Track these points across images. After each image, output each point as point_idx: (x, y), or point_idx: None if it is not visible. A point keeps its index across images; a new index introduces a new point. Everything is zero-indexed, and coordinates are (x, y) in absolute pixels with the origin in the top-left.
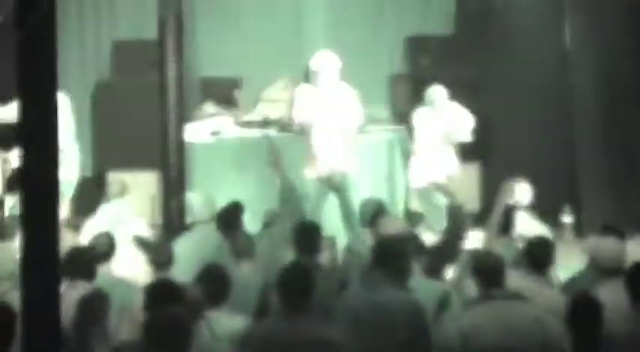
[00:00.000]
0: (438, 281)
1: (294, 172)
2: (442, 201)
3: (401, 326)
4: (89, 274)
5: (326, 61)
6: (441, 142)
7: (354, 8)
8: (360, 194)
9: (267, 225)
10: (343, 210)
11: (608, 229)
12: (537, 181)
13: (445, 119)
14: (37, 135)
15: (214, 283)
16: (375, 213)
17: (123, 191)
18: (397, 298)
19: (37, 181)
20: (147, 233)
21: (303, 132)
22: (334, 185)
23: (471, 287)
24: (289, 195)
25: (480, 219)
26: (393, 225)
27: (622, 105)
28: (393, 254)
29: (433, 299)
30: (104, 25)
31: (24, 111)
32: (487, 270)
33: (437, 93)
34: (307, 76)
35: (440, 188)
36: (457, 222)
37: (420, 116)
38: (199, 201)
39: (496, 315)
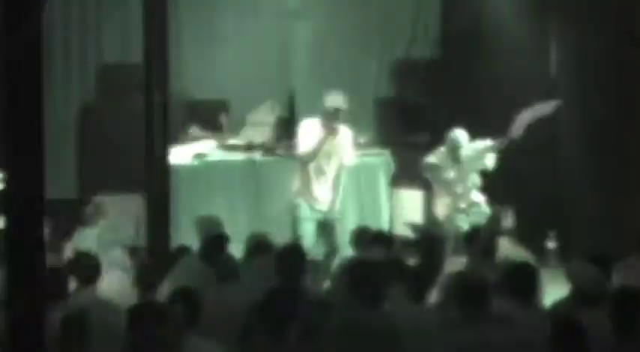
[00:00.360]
0: (418, 305)
1: (278, 194)
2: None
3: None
4: (69, 295)
5: (341, 102)
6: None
7: (340, 32)
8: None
9: (250, 249)
10: (326, 239)
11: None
12: (521, 207)
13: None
14: (22, 157)
15: (185, 306)
16: (364, 238)
17: (99, 214)
18: (370, 321)
19: (22, 202)
20: (125, 257)
21: (291, 157)
22: (324, 215)
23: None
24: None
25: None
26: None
27: (607, 133)
28: (366, 278)
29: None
30: (90, 48)
31: (11, 133)
32: (473, 291)
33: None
34: (291, 103)
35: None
36: (436, 247)
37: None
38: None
39: (482, 337)
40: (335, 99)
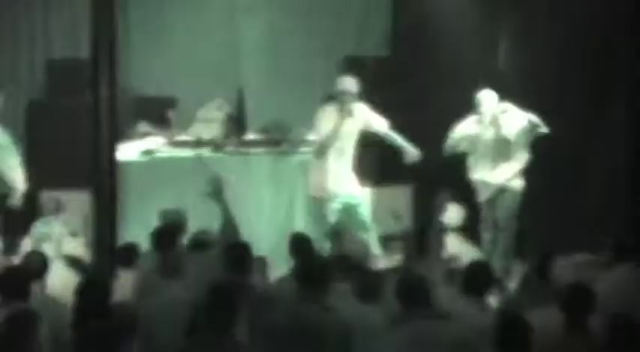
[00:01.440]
0: (367, 305)
1: (231, 192)
2: None
3: (318, 344)
4: (23, 293)
5: (353, 85)
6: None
7: (290, 29)
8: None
9: (196, 244)
10: (356, 226)
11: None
12: (470, 202)
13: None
14: None
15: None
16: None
17: (58, 209)
18: (315, 315)
19: None
20: (80, 251)
21: (238, 151)
22: (344, 205)
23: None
24: (229, 224)
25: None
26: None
27: (558, 118)
28: (312, 273)
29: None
30: (38, 44)
31: None
32: (410, 290)
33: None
34: (240, 100)
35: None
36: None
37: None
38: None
39: (419, 334)
40: (346, 83)
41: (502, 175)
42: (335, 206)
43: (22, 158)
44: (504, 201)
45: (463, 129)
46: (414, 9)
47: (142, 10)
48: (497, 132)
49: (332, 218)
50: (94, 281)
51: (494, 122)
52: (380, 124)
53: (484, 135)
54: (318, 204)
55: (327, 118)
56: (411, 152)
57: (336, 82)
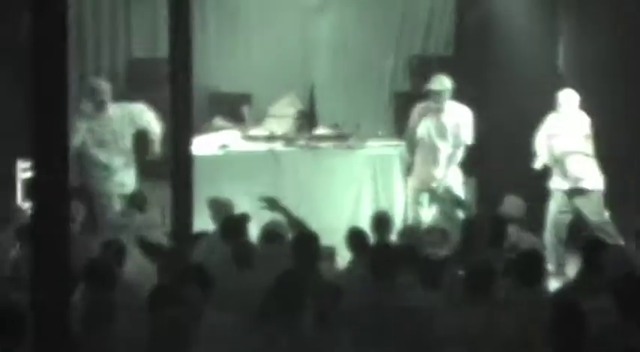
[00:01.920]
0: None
1: (301, 185)
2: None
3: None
4: (104, 283)
5: (444, 84)
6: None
7: (359, 28)
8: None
9: (268, 235)
10: (445, 217)
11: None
12: (531, 194)
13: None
14: (48, 145)
15: (200, 284)
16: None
17: (143, 203)
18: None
19: (48, 190)
20: (160, 240)
21: (309, 146)
22: (437, 195)
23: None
24: (294, 223)
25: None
26: None
27: (612, 124)
28: (388, 262)
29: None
30: (120, 42)
31: (37, 121)
32: (477, 277)
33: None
34: (312, 96)
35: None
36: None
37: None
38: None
39: (480, 319)
40: (438, 82)
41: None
42: (435, 196)
43: None
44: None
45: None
46: (477, 10)
47: (217, 10)
48: (578, 133)
49: (431, 208)
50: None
51: (575, 122)
52: (466, 136)
53: (566, 135)
54: (416, 194)
55: (418, 115)
56: None
57: (430, 79)
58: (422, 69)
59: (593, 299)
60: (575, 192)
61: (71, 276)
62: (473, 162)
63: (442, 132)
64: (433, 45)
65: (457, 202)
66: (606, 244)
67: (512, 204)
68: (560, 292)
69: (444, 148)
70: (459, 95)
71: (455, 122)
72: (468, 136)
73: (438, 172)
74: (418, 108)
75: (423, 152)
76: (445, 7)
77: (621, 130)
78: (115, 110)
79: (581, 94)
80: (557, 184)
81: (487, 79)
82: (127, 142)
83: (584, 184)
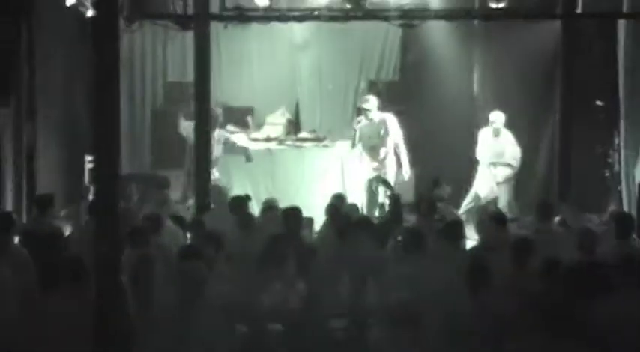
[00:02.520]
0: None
1: (288, 173)
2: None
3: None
4: (145, 243)
5: (499, 119)
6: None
7: (332, 59)
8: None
9: (265, 209)
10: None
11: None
12: (454, 181)
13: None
14: (104, 144)
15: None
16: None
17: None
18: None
19: (104, 176)
20: (184, 213)
21: (295, 145)
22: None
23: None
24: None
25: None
26: None
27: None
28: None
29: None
30: (159, 69)
31: (96, 126)
32: (414, 238)
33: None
34: (297, 109)
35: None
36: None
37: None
38: (220, 192)
39: (417, 269)
40: (366, 102)
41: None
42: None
43: (149, 148)
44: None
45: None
46: (416, 47)
47: (228, 46)
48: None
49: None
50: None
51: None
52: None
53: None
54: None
55: (357, 123)
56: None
57: (491, 113)
58: (376, 89)
59: (496, 254)
60: None
61: (121, 238)
62: (413, 158)
63: (375, 135)
64: (385, 72)
65: (388, 186)
66: (508, 217)
67: (441, 188)
68: (473, 249)
69: (381, 146)
70: (403, 109)
71: (384, 126)
72: (395, 134)
73: (376, 164)
74: (356, 120)
75: (366, 150)
76: (393, 45)
77: (522, 139)
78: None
79: (487, 110)
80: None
81: (423, 97)
82: None
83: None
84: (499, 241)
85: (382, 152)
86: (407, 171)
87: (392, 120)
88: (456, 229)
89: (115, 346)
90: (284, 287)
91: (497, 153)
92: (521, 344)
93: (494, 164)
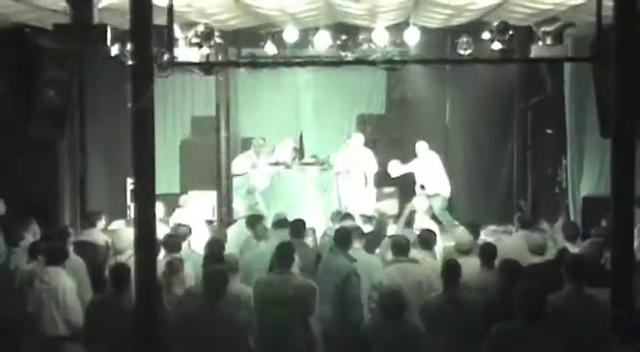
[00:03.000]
0: (371, 254)
1: (295, 191)
2: None
3: (344, 278)
4: (176, 248)
5: (359, 139)
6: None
7: (329, 97)
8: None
9: (276, 223)
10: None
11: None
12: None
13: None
14: (142, 169)
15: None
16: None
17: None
18: (344, 261)
19: (142, 196)
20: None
21: (299, 168)
22: None
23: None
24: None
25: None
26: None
27: (480, 150)
28: (346, 237)
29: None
30: (186, 106)
31: (136, 154)
32: (398, 245)
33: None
34: (301, 139)
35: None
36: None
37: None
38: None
39: (402, 270)
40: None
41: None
42: None
43: (179, 173)
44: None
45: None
46: (399, 87)
47: (244, 87)
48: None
49: None
50: (218, 242)
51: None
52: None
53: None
54: None
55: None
56: None
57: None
58: (366, 123)
59: (465, 257)
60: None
61: (157, 245)
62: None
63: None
64: (373, 107)
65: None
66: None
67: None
68: (446, 252)
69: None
70: (389, 139)
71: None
72: (371, 166)
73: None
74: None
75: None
76: (380, 85)
77: (486, 160)
78: None
79: (460, 140)
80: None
81: (405, 127)
82: None
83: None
84: (470, 245)
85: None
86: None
87: (370, 155)
88: (430, 237)
89: (153, 341)
90: (289, 286)
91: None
92: (490, 332)
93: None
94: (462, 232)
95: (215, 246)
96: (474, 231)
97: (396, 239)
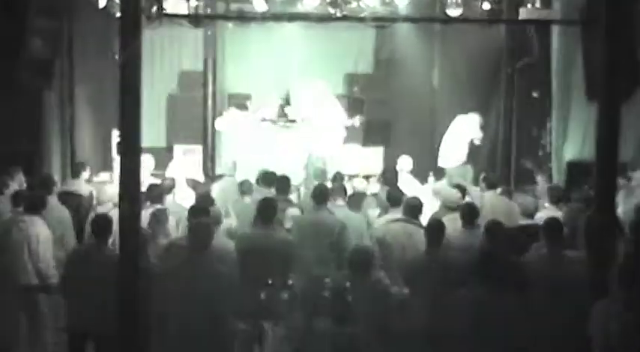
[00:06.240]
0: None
1: (280, 146)
2: None
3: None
4: (160, 200)
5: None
6: None
7: (317, 55)
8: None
9: (261, 179)
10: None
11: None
12: (415, 156)
13: None
14: (128, 122)
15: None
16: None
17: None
18: (331, 217)
19: (128, 148)
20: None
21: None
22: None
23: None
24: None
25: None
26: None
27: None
28: (325, 193)
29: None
30: (174, 60)
31: (122, 107)
32: (411, 207)
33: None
34: (287, 96)
35: None
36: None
37: None
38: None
39: (408, 230)
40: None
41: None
42: None
43: (165, 128)
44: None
45: None
46: (387, 45)
47: (233, 42)
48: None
49: None
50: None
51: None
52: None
53: None
54: None
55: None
56: None
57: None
58: (353, 81)
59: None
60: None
61: (141, 197)
62: (382, 136)
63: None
64: (361, 66)
65: None
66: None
67: (405, 161)
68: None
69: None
70: (374, 98)
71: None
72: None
73: None
74: None
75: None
76: (368, 44)
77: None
78: None
79: (448, 102)
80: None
81: (392, 87)
82: None
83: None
84: (458, 202)
85: None
86: None
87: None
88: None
89: (135, 292)
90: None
91: None
92: (467, 291)
93: None
94: (449, 189)
95: (203, 200)
96: (461, 191)
97: (411, 201)
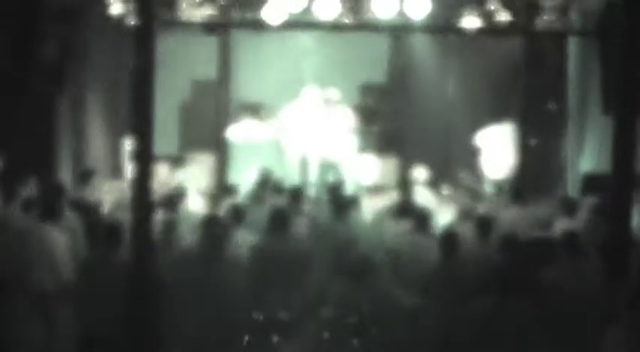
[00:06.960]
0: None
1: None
2: None
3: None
4: (172, 209)
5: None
6: None
7: (331, 64)
8: None
9: (273, 187)
10: None
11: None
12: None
13: None
14: (141, 129)
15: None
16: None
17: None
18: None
19: (140, 157)
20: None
21: None
22: None
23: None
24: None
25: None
26: None
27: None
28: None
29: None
30: (187, 70)
31: (135, 115)
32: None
33: None
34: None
35: None
36: None
37: None
38: None
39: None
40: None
41: None
42: None
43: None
44: None
45: None
46: (401, 57)
47: (246, 51)
48: None
49: None
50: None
51: None
52: None
53: None
54: None
55: None
56: None
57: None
58: (368, 92)
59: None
60: None
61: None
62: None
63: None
64: (375, 76)
65: None
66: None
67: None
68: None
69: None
70: (390, 107)
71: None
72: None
73: None
74: None
75: None
76: (383, 55)
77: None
78: None
79: (463, 113)
80: None
81: (407, 98)
82: None
83: None
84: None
85: None
86: None
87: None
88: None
89: (147, 297)
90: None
91: None
92: (482, 303)
93: None
94: (463, 197)
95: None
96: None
97: (422, 211)
